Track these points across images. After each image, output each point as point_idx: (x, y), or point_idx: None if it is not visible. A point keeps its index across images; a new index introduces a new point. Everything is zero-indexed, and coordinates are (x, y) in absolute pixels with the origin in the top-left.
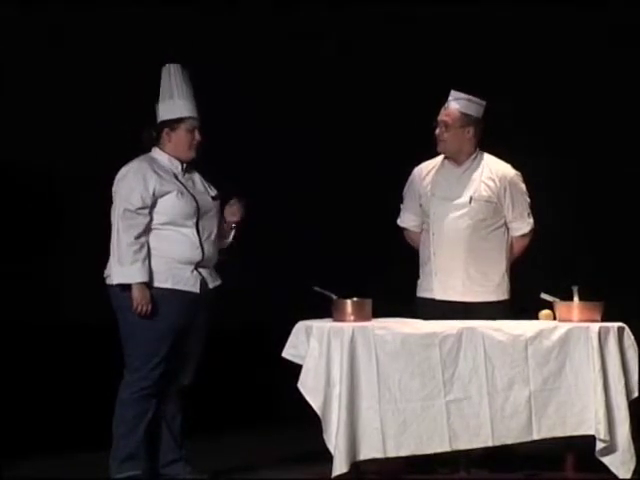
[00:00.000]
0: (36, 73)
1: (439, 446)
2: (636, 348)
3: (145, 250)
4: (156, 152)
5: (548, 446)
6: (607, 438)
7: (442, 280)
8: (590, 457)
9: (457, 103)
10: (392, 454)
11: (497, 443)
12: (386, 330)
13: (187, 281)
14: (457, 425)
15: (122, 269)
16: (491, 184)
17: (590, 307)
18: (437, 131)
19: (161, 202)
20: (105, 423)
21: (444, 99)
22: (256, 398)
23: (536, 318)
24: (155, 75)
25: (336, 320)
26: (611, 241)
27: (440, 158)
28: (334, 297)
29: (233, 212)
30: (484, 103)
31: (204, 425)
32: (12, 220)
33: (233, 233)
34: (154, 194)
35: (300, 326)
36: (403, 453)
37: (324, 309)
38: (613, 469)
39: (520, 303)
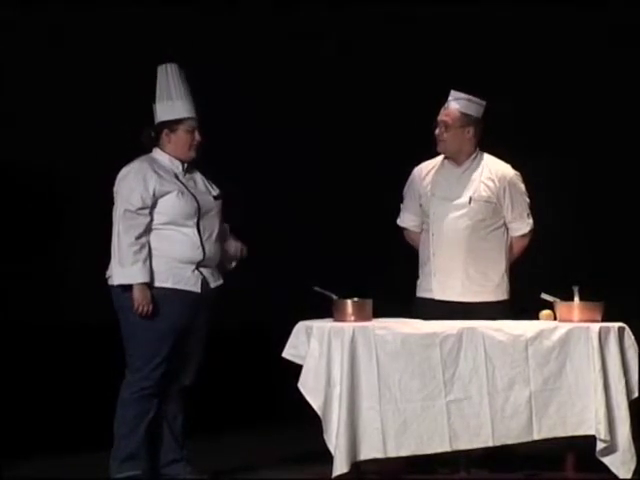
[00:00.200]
0: (36, 73)
1: (439, 446)
2: (636, 348)
3: (146, 250)
4: (157, 152)
5: (548, 446)
6: (607, 438)
7: (441, 280)
8: (590, 457)
9: (457, 103)
10: (392, 454)
11: (497, 443)
12: (386, 330)
13: (188, 281)
14: (457, 425)
15: (123, 270)
16: (491, 184)
17: (590, 307)
18: (437, 131)
19: (161, 202)
20: (105, 423)
21: (444, 99)
22: (256, 398)
23: (536, 318)
24: (155, 75)
25: (336, 320)
26: (611, 241)
27: (440, 158)
28: (334, 297)
29: (236, 249)
30: (484, 103)
31: (204, 425)
32: (12, 220)
33: (235, 263)
34: (154, 194)
35: (300, 326)
36: (403, 453)
37: (324, 309)
38: (613, 469)
39: (520, 303)
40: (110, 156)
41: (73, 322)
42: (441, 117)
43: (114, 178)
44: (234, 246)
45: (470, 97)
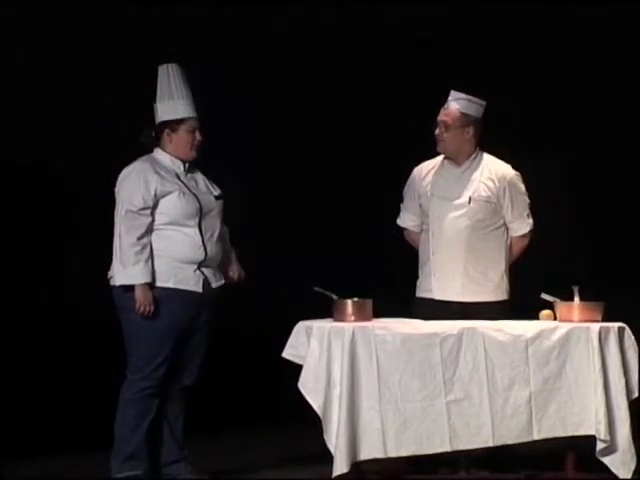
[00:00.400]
0: (36, 73)
1: (440, 446)
2: (636, 348)
3: (147, 251)
4: (158, 152)
5: (548, 446)
6: (607, 438)
7: (441, 280)
8: (590, 457)
9: (457, 103)
10: (392, 454)
11: (497, 443)
12: (386, 330)
13: (189, 280)
14: (457, 425)
15: (125, 270)
16: (490, 184)
17: (591, 307)
18: (437, 131)
19: (163, 202)
20: (105, 423)
21: (444, 99)
22: (256, 398)
23: (536, 318)
24: (155, 75)
25: (336, 320)
26: (611, 241)
27: (440, 158)
28: (334, 297)
29: (234, 273)
30: (484, 103)
31: (204, 425)
32: (12, 220)
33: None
34: (156, 195)
35: (300, 326)
36: (403, 453)
37: (324, 309)
38: (613, 469)
39: (520, 303)
40: (110, 156)
41: (73, 322)
42: (441, 117)
43: (114, 178)
44: (235, 270)
45: (470, 97)
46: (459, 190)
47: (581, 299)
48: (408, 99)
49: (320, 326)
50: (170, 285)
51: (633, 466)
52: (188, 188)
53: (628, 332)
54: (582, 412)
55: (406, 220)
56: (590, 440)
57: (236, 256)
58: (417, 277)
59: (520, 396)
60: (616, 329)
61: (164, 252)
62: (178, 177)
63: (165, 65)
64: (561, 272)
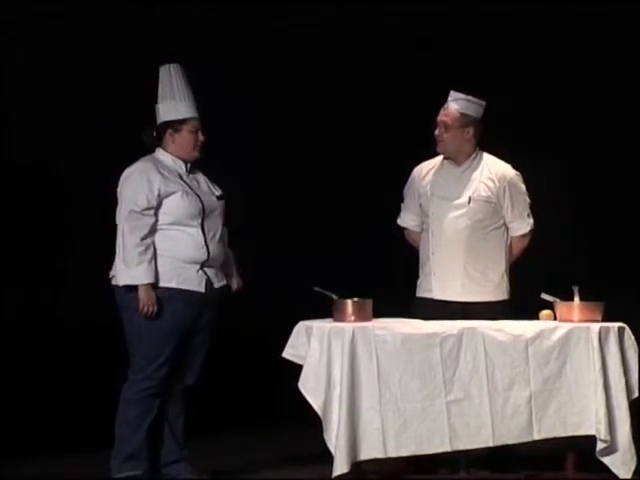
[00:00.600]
0: (36, 73)
1: (440, 446)
2: (636, 348)
3: (151, 251)
4: (160, 153)
5: (548, 446)
6: (608, 438)
7: (441, 280)
8: (591, 457)
9: (456, 104)
10: (393, 454)
11: (498, 443)
12: (386, 330)
13: (192, 281)
14: (458, 425)
15: (128, 270)
16: (490, 184)
17: (591, 307)
18: (436, 132)
19: (166, 202)
20: (105, 423)
21: (444, 99)
22: (256, 398)
23: (536, 318)
24: (156, 75)
25: (336, 320)
26: (611, 241)
27: (440, 158)
28: (335, 297)
29: (232, 285)
30: (483, 103)
31: (204, 425)
32: (12, 220)
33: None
34: (159, 195)
35: (300, 326)
36: (404, 453)
37: (324, 309)
38: (614, 469)
39: (520, 303)
40: (110, 156)
41: (73, 322)
42: (440, 117)
43: (115, 178)
44: (234, 283)
45: (469, 97)
46: (459, 190)
47: (581, 299)
48: (408, 99)
49: (320, 326)
50: (173, 285)
51: (633, 466)
52: (191, 188)
53: (628, 332)
54: (582, 412)
55: (406, 220)
56: (590, 440)
57: (235, 259)
58: (417, 277)
59: (520, 396)
60: (616, 329)
61: (167, 252)
62: (180, 177)
63: (167, 65)
64: (561, 272)
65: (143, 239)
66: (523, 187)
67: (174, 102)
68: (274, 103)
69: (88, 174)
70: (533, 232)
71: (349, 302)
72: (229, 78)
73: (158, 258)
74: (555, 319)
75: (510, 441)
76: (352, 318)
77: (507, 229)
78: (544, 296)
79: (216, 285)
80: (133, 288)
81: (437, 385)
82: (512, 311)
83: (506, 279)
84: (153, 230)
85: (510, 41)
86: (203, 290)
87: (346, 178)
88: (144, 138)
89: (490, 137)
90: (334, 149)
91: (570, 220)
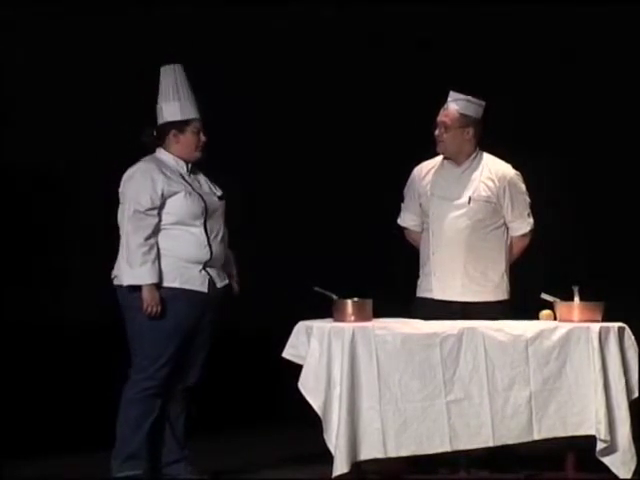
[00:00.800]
0: (36, 73)
1: (440, 446)
2: (636, 348)
3: (155, 251)
4: (161, 152)
5: (548, 446)
6: (608, 438)
7: (441, 280)
8: (591, 457)
9: (456, 104)
10: (393, 454)
11: (498, 443)
12: (386, 330)
13: (195, 281)
14: (458, 425)
15: (132, 271)
16: (490, 184)
17: (591, 307)
18: (436, 132)
19: (170, 202)
20: (105, 423)
21: (444, 99)
22: (256, 398)
23: (536, 318)
24: (156, 75)
25: (336, 320)
26: (611, 241)
27: (440, 158)
28: (335, 297)
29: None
30: (483, 103)
31: (204, 425)
32: (13, 220)
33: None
34: (163, 195)
35: (300, 326)
36: (404, 453)
37: (324, 309)
38: (614, 469)
39: (520, 303)
40: (110, 156)
41: (73, 322)
42: (440, 118)
43: (115, 178)
44: (235, 287)
45: (469, 98)
46: (459, 190)
47: (581, 299)
48: (408, 99)
49: (320, 326)
50: (176, 285)
51: (633, 466)
52: (193, 188)
53: (628, 332)
54: (582, 412)
55: (406, 220)
56: (590, 440)
57: (235, 261)
58: (417, 277)
59: (520, 396)
60: (616, 329)
61: (170, 252)
62: (183, 177)
63: (171, 65)
64: (561, 272)
65: (147, 239)
66: (523, 187)
67: (178, 102)
68: (274, 103)
69: (88, 174)
70: (533, 232)
71: (349, 302)
72: (229, 78)
73: (161, 258)
74: (555, 319)
75: (510, 441)
76: (352, 318)
77: (507, 229)
78: (544, 296)
79: (218, 285)
80: (137, 288)
81: (437, 385)
82: (512, 311)
83: (506, 279)
84: (157, 230)
85: (510, 41)
86: (206, 290)
87: (346, 178)
88: (144, 138)
89: (490, 137)
90: (334, 149)
91: (570, 220)
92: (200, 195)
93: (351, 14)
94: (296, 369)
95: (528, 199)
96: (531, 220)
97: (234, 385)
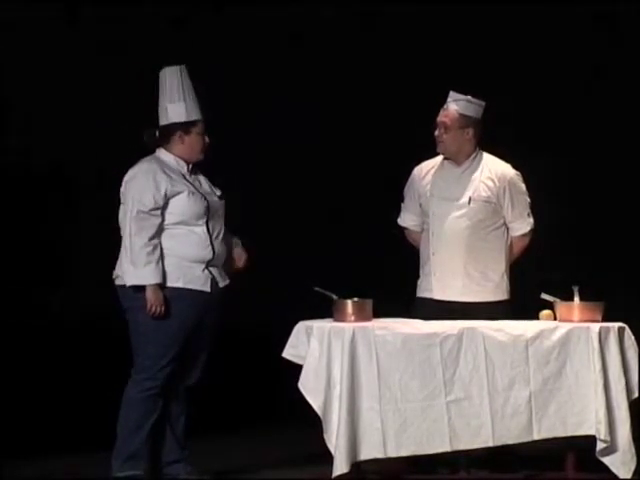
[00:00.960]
0: (36, 73)
1: (440, 446)
2: (636, 348)
3: (158, 251)
4: (162, 153)
5: (548, 446)
6: (607, 438)
7: (441, 280)
8: (591, 457)
9: (456, 104)
10: (393, 454)
11: (498, 443)
12: (386, 330)
13: (198, 280)
14: (458, 425)
15: (136, 271)
16: (490, 184)
17: (591, 307)
18: (436, 132)
19: (173, 202)
20: (105, 423)
21: (444, 99)
22: (256, 398)
23: (536, 318)
24: (156, 75)
25: (336, 320)
26: (611, 241)
27: (440, 158)
28: (335, 297)
29: (239, 255)
30: (483, 104)
31: (204, 425)
32: (13, 220)
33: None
34: (166, 195)
35: (300, 326)
36: (404, 453)
37: (324, 309)
38: (614, 469)
39: (520, 303)
40: (110, 156)
41: (74, 322)
42: (440, 118)
43: (115, 178)
44: (239, 253)
45: (469, 98)
46: (459, 190)
47: (581, 299)
48: (408, 99)
49: (320, 326)
50: (180, 285)
51: (633, 466)
52: (195, 188)
53: (628, 332)
54: (582, 412)
55: (406, 220)
56: (590, 440)
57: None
58: (417, 277)
59: (520, 396)
60: (616, 329)
61: (173, 252)
62: (184, 177)
63: (176, 67)
64: (561, 272)
65: (151, 239)
66: (523, 187)
67: (184, 103)
68: (274, 103)
69: (88, 174)
70: (533, 232)
71: (349, 302)
72: (229, 78)
73: (164, 258)
74: (555, 319)
75: (510, 441)
76: (352, 318)
77: (507, 229)
78: (544, 296)
79: (221, 284)
80: (140, 288)
81: (437, 385)
82: (512, 311)
83: (506, 279)
84: (160, 230)
85: (510, 41)
86: (209, 290)
87: (346, 178)
88: (146, 138)
89: (490, 137)
90: (334, 149)
91: (570, 220)
92: (202, 195)
93: (351, 14)
94: (296, 369)
95: (528, 199)
96: (531, 220)
97: (234, 385)
